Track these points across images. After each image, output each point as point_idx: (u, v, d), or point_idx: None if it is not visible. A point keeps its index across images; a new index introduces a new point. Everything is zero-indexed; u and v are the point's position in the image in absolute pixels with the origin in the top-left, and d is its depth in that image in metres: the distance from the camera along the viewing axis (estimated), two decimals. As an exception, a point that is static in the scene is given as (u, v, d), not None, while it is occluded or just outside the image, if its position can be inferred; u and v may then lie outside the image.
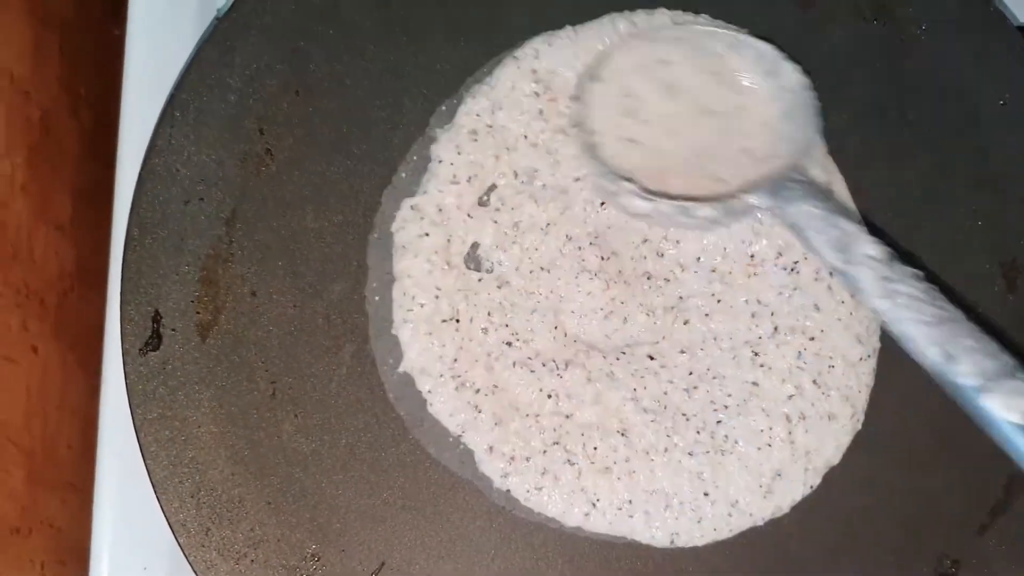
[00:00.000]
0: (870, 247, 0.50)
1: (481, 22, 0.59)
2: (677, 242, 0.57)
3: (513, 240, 0.56)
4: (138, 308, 0.54)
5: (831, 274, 0.55)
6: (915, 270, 0.50)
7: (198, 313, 0.54)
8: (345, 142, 0.57)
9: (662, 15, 0.59)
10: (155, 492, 0.52)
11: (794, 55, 0.57)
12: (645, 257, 0.57)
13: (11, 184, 0.67)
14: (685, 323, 0.56)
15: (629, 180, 0.55)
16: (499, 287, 0.56)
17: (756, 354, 0.56)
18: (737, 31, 0.58)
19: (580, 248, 0.57)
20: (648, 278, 0.57)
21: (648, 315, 0.56)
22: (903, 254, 0.51)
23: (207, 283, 0.55)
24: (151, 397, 0.53)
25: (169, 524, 0.52)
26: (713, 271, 0.57)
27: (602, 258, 0.57)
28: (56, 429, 0.72)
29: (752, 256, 0.56)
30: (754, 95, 0.56)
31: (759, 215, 0.55)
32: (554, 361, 0.55)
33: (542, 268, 0.56)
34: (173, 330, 0.54)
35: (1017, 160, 0.58)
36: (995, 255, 0.57)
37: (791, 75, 0.56)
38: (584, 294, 0.56)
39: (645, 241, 0.57)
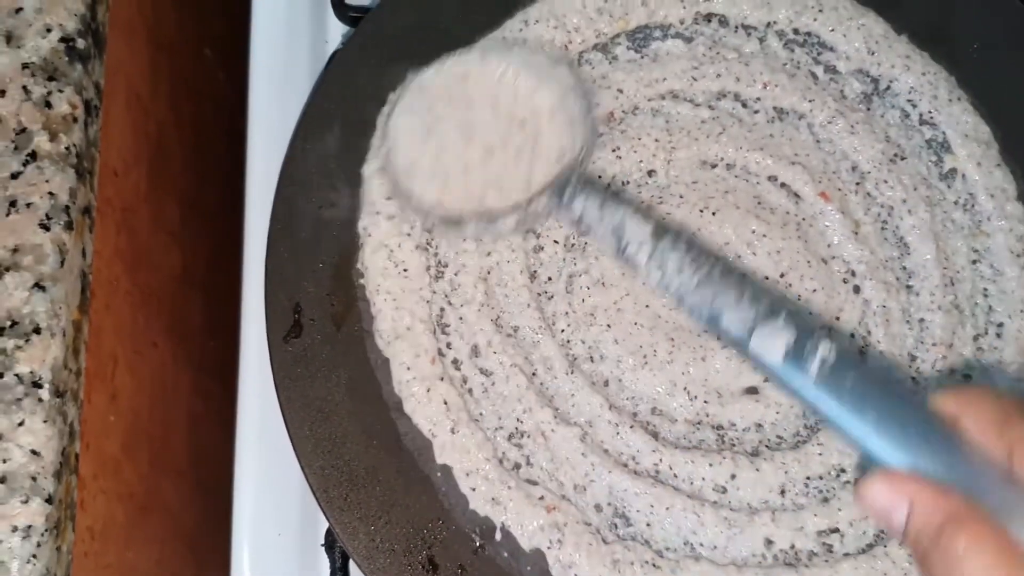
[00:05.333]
0: (636, 226, 0.53)
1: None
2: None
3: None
4: (280, 301, 0.61)
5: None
6: (688, 236, 0.57)
7: (332, 305, 0.61)
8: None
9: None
10: (300, 464, 0.58)
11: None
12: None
13: (137, 193, 0.74)
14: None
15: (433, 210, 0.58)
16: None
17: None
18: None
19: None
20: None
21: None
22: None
23: (339, 279, 0.62)
24: (294, 379, 0.59)
25: (313, 492, 0.58)
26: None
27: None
28: (170, 419, 0.79)
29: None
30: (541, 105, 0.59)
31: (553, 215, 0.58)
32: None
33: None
34: (312, 320, 0.60)
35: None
36: None
37: (566, 77, 0.60)
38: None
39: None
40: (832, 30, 0.69)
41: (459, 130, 0.59)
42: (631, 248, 0.52)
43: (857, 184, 0.66)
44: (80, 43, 0.56)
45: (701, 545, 0.58)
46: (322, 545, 0.64)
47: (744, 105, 0.68)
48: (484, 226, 0.57)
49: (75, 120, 0.55)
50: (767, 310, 0.48)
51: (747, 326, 0.48)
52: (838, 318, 0.63)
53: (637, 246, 0.52)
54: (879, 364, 0.53)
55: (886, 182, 0.66)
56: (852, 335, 0.62)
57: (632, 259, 0.53)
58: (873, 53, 0.68)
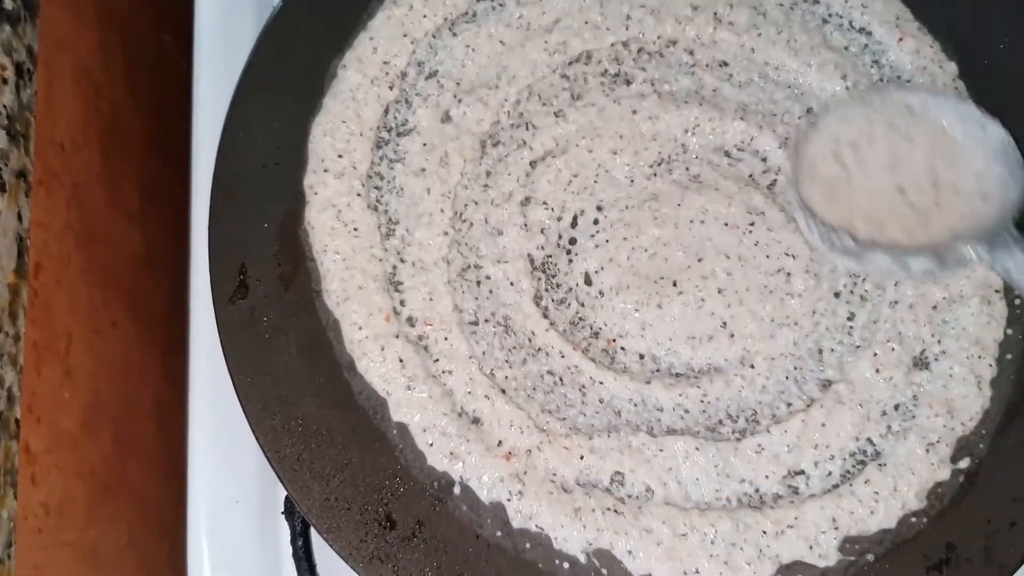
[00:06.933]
0: None
1: None
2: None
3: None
4: (225, 262, 0.59)
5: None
6: None
7: (279, 265, 0.60)
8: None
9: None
10: (251, 427, 0.57)
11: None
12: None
13: (90, 171, 0.73)
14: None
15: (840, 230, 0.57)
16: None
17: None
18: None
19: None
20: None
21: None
22: None
23: (286, 238, 0.60)
24: (242, 341, 0.58)
25: (265, 454, 0.57)
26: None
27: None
28: (136, 400, 0.78)
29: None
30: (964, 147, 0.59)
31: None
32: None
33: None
34: (258, 280, 0.59)
35: None
36: None
37: (995, 131, 0.59)
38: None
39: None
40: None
41: (887, 156, 0.59)
42: None
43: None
44: (8, 3, 0.55)
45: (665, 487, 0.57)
46: (282, 512, 0.63)
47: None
48: (892, 264, 0.56)
49: (4, 81, 0.55)
50: None
51: None
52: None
53: None
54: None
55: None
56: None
57: None
58: None
